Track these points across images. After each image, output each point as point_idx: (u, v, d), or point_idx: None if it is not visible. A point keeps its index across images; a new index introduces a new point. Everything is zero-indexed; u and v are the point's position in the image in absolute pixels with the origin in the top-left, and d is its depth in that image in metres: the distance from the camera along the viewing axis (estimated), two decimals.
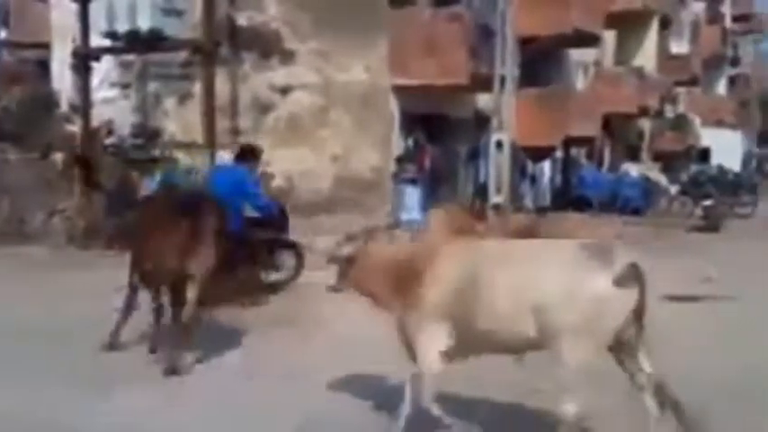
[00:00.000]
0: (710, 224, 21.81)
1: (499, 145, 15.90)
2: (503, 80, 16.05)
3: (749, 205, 27.17)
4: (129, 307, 7.89)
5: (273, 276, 10.75)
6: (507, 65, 16.08)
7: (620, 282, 4.65)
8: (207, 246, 7.41)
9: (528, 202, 22.54)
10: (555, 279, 4.66)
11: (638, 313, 4.80)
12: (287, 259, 10.77)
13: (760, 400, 6.60)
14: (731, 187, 28.29)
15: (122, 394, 6.63)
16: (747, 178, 33.75)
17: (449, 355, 5.09)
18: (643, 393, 5.02)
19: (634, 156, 32.95)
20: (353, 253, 5.56)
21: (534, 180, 22.64)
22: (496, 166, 15.89)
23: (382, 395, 6.34)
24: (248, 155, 10.00)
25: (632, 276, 4.69)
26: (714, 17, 44.79)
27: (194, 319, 7.49)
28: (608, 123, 28.73)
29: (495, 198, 15.84)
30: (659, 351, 7.93)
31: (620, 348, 4.91)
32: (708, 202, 22.62)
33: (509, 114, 16.69)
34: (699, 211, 22.80)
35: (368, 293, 5.58)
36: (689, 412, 5.12)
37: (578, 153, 27.96)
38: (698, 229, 21.58)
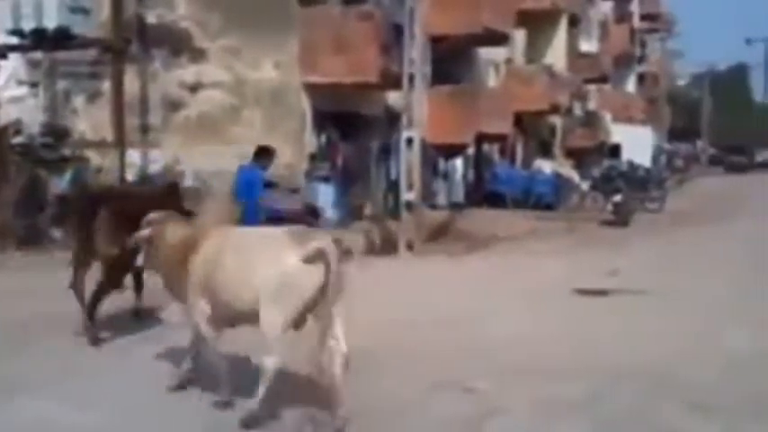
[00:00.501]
0: (620, 219, 22.34)
1: (409, 142, 16.06)
2: (411, 78, 16.20)
3: (658, 200, 27.86)
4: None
5: None
6: (416, 63, 16.25)
7: (307, 260, 5.53)
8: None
9: (441, 198, 22.77)
10: (262, 259, 5.68)
11: (324, 290, 5.55)
12: None
13: (648, 388, 6.86)
14: (641, 183, 28.96)
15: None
16: (657, 174, 34.61)
17: (214, 323, 6.13)
18: (332, 364, 5.71)
19: (547, 152, 33.48)
20: (152, 234, 6.45)
21: (447, 177, 22.90)
22: (407, 163, 16.05)
23: None
24: (262, 154, 10.57)
25: (319, 257, 5.52)
26: (622, 16, 45.90)
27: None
28: (520, 120, 29.18)
29: (406, 195, 16.01)
30: (563, 342, 8.33)
31: (317, 319, 5.68)
32: (617, 198, 23.14)
33: (420, 112, 16.89)
34: (609, 206, 23.32)
35: (160, 273, 6.50)
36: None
37: (491, 150, 28.34)
38: (608, 224, 22.11)
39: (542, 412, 6.26)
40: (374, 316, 9.19)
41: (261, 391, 5.70)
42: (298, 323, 5.71)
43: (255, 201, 10.28)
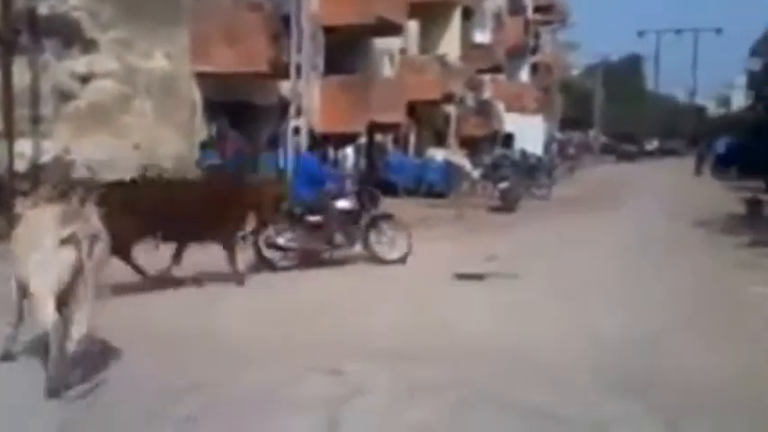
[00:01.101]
0: (507, 205, 23.06)
1: (297, 131, 16.38)
2: (299, 68, 16.52)
3: (546, 187, 28.75)
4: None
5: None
6: (303, 52, 16.58)
7: (62, 241, 6.20)
8: None
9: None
10: (35, 235, 6.35)
11: (78, 272, 6.26)
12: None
13: (509, 370, 7.26)
14: (530, 170, 29.88)
15: None
16: (547, 162, 35.65)
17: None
18: (68, 341, 6.26)
19: (441, 141, 34.08)
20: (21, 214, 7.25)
21: (337, 165, 23.25)
22: (295, 152, 16.37)
23: None
24: (316, 143, 13.21)
25: (73, 241, 6.22)
26: (517, 8, 46.76)
27: None
28: (414, 110, 29.70)
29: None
30: (435, 326, 8.76)
31: (68, 299, 6.33)
32: (504, 185, 23.85)
33: (309, 101, 17.23)
34: (496, 193, 24.03)
35: None
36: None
37: (385, 139, 28.80)
38: (496, 210, 22.79)
39: (404, 393, 6.54)
40: (258, 305, 9.59)
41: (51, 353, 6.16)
42: (61, 298, 6.30)
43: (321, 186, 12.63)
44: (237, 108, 19.59)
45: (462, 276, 11.93)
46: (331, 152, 22.57)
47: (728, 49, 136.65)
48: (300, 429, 5.79)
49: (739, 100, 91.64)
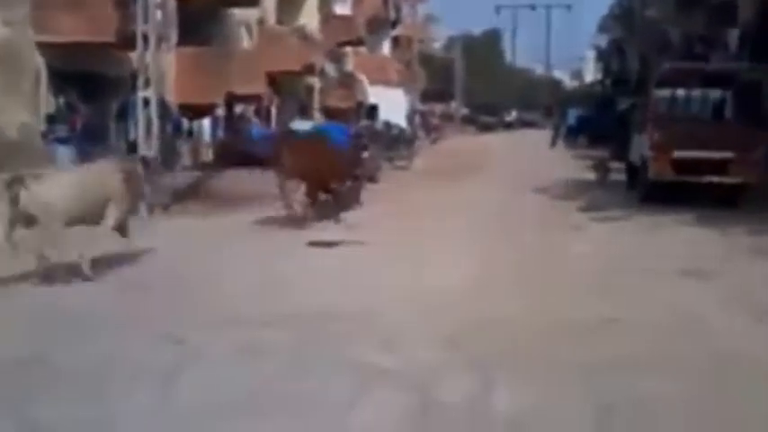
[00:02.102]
0: (367, 176, 23.11)
1: (146, 102, 15.90)
2: (146, 37, 16.02)
3: (406, 158, 28.99)
4: None
5: None
6: (150, 22, 16.06)
7: None
8: None
9: (186, 160, 22.57)
10: None
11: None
12: None
13: (349, 331, 7.42)
14: (392, 141, 30.05)
15: None
16: (408, 133, 35.99)
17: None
18: None
19: (304, 113, 33.89)
20: None
21: (192, 136, 22.78)
22: (145, 124, 15.89)
23: None
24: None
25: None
26: None
27: None
28: (276, 81, 29.41)
29: (143, 152, 15.71)
30: (281, 291, 8.77)
31: None
32: (364, 155, 23.91)
33: (161, 72, 16.72)
34: None
35: None
36: None
37: (247, 110, 28.41)
38: None
39: (244, 357, 6.59)
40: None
41: None
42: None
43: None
44: (87, 79, 18.91)
45: (314, 244, 11.97)
46: (185, 123, 22.08)
47: (580, 24, 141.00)
48: (136, 396, 5.75)
49: (591, 73, 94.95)
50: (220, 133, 24.52)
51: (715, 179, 16.53)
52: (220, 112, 24.79)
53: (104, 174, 9.82)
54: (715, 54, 37.92)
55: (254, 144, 25.39)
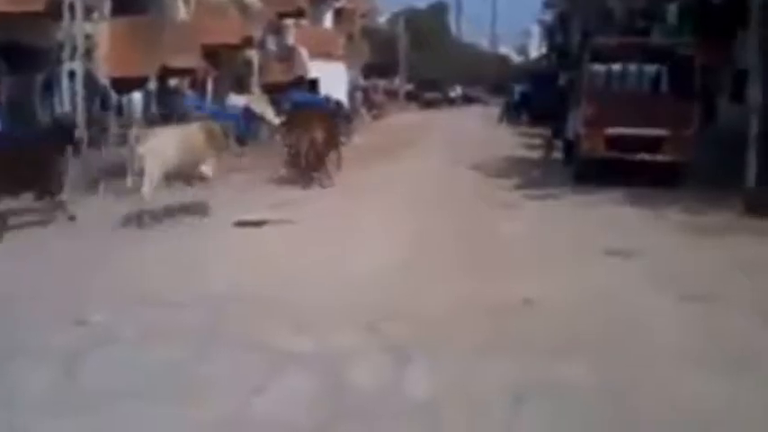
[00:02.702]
0: None
1: (72, 75, 15.41)
2: (72, 6, 15.51)
3: (344, 134, 28.59)
4: None
5: None
6: None
7: None
8: None
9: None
10: None
11: None
12: None
13: (258, 312, 7.29)
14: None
15: None
16: (348, 109, 35.66)
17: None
18: None
19: (243, 87, 33.34)
20: None
21: (121, 111, 22.23)
22: (71, 97, 15.41)
23: None
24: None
25: None
26: None
27: None
28: (213, 54, 28.85)
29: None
30: (195, 272, 8.56)
31: None
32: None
33: (91, 43, 16.24)
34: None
35: None
36: None
37: (181, 84, 27.83)
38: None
39: (152, 340, 6.42)
40: None
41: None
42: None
43: None
44: (12, 50, 18.25)
45: (241, 224, 11.73)
46: (114, 97, 21.51)
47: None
48: (39, 377, 5.66)
49: (536, 49, 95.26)
50: (153, 108, 23.93)
51: (647, 157, 16.50)
52: (153, 86, 24.21)
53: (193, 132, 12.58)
54: (655, 29, 38.25)
55: (186, 119, 24.92)
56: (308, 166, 16.33)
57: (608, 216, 12.98)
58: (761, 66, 14.24)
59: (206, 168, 12.54)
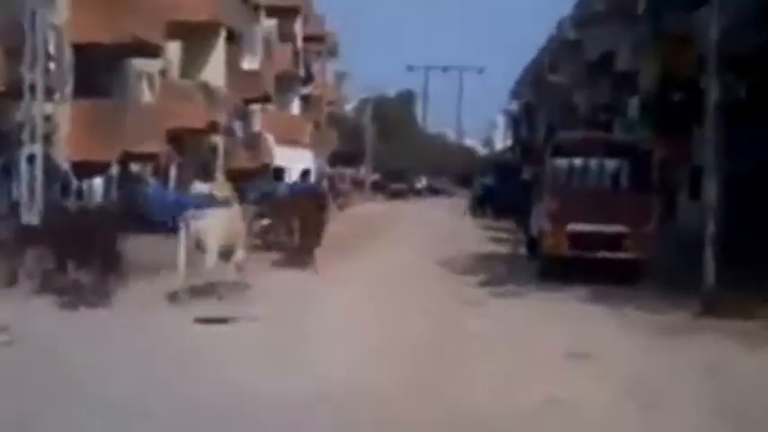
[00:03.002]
0: (267, 243, 22.44)
1: (31, 159, 15.06)
2: (33, 88, 15.27)
3: None
4: None
5: None
6: (39, 70, 15.32)
7: None
8: None
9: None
10: None
11: None
12: None
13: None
14: None
15: None
16: None
17: None
18: None
19: (207, 173, 33.10)
20: None
21: (81, 197, 21.85)
22: (29, 183, 14.97)
23: None
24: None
25: None
26: (287, 35, 45.88)
27: None
28: (177, 138, 28.72)
29: (26, 217, 14.85)
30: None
31: None
32: (265, 222, 23.38)
33: (53, 125, 16.02)
34: (257, 229, 23.47)
35: None
36: None
37: (144, 169, 27.56)
38: (257, 248, 22.16)
39: None
40: None
41: None
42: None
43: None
44: None
45: (203, 321, 11.33)
46: (74, 182, 21.17)
47: (492, 87, 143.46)
48: None
49: (501, 140, 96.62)
50: (114, 194, 23.50)
51: (608, 255, 16.45)
52: (114, 171, 23.90)
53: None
54: (617, 122, 38.92)
55: (149, 206, 24.53)
56: (302, 249, 17.62)
57: (570, 315, 12.84)
58: (716, 164, 14.33)
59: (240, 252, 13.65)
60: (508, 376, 8.74)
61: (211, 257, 12.88)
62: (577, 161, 18.20)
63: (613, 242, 16.44)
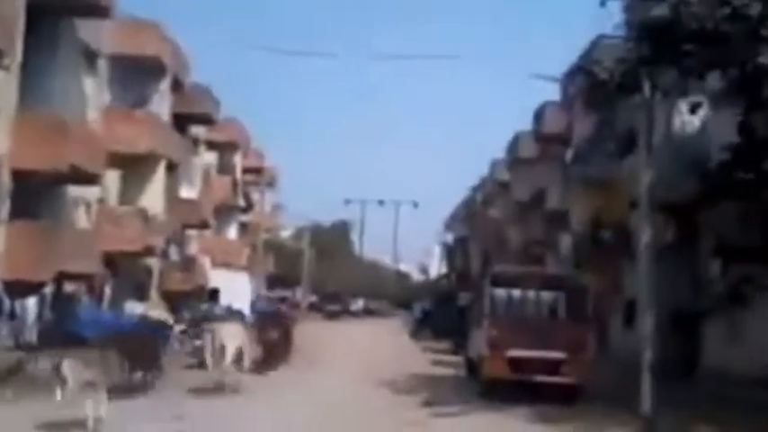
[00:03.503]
0: (202, 362, 22.24)
1: None
2: None
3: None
4: None
5: None
6: None
7: None
8: None
9: (5, 339, 21.13)
10: None
11: None
12: None
13: None
14: None
15: None
16: (251, 319, 35.31)
17: None
18: None
19: (142, 294, 32.81)
20: None
21: (14, 316, 21.43)
22: None
23: None
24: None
25: None
26: (226, 167, 47.38)
27: None
28: (112, 260, 28.50)
29: None
30: None
31: None
32: (199, 342, 23.11)
33: None
34: (190, 350, 23.18)
35: None
36: None
37: (79, 289, 27.17)
38: (191, 368, 21.84)
39: None
40: None
41: None
42: None
43: None
44: None
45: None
46: (7, 302, 20.78)
47: (427, 218, 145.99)
48: None
49: (436, 267, 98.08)
50: (47, 313, 23.17)
51: (548, 379, 16.79)
52: (48, 290, 23.55)
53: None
54: (549, 256, 39.86)
55: (82, 325, 24.12)
56: (276, 355, 21.98)
57: None
58: (649, 298, 14.80)
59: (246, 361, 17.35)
60: None
61: (229, 358, 16.70)
62: (516, 292, 18.74)
63: (552, 367, 16.84)
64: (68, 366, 11.65)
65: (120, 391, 13.70)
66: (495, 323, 17.76)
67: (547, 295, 18.84)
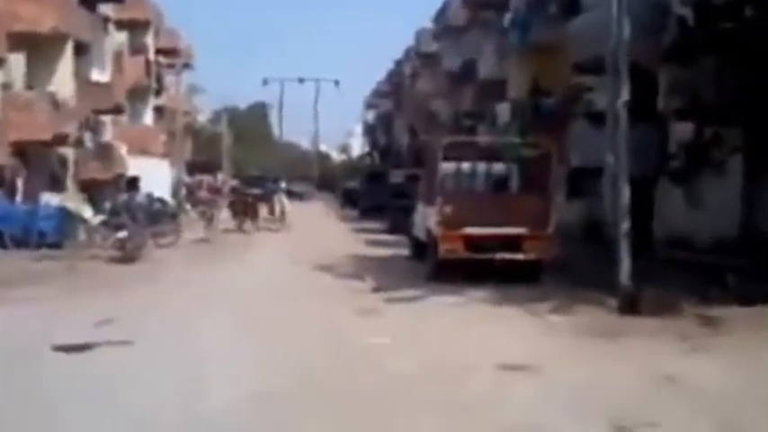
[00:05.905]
0: (127, 256, 20.89)
1: None
2: None
3: (171, 233, 26.76)
4: None
5: None
6: None
7: None
8: None
9: None
10: None
11: None
12: None
13: None
14: (155, 216, 27.70)
15: None
16: (173, 206, 33.89)
17: None
18: None
19: (57, 185, 30.93)
20: None
21: None
22: None
23: None
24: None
25: None
26: (138, 48, 44.61)
27: None
28: (23, 151, 26.58)
29: None
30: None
31: None
32: (122, 234, 21.70)
33: None
34: (114, 242, 21.77)
35: None
36: None
37: None
38: (115, 261, 20.48)
39: None
40: None
41: None
42: None
43: None
44: None
45: (63, 348, 9.70)
46: None
47: (348, 98, 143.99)
48: None
49: (359, 147, 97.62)
50: None
51: (507, 256, 15.67)
52: None
53: None
54: (481, 128, 38.90)
55: None
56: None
57: (482, 320, 11.86)
58: (619, 163, 13.71)
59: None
60: (447, 403, 7.56)
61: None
62: (469, 165, 17.50)
63: (511, 243, 15.70)
64: None
65: None
66: (448, 199, 16.35)
67: (502, 167, 17.56)
